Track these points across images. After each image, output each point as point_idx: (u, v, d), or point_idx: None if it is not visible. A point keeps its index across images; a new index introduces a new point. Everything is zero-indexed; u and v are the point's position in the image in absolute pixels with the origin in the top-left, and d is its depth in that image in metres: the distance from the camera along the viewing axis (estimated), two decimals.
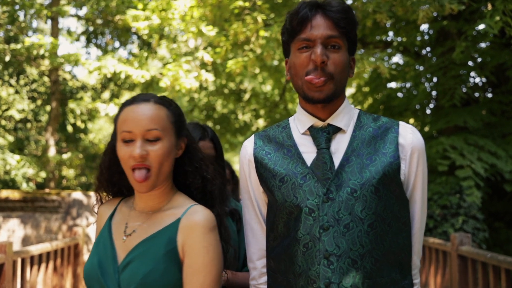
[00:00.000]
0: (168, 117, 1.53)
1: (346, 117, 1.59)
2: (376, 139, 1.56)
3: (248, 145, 1.69)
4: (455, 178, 6.34)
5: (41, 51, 8.08)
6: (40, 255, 5.02)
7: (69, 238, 5.85)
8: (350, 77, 1.61)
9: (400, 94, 8.95)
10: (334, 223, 1.47)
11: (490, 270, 3.99)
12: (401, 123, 1.61)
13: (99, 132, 21.91)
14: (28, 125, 12.47)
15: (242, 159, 1.70)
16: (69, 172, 14.88)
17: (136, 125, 1.47)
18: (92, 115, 8.54)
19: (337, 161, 1.53)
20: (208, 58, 6.71)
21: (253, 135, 1.72)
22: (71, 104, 8.58)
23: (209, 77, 6.87)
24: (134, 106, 1.50)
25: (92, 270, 1.51)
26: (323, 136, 1.57)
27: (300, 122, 1.63)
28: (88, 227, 6.38)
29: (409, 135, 1.57)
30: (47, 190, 7.17)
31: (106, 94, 13.34)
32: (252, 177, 1.66)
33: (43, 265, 5.06)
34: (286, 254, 1.54)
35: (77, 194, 6.60)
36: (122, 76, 8.80)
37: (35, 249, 4.80)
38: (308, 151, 1.58)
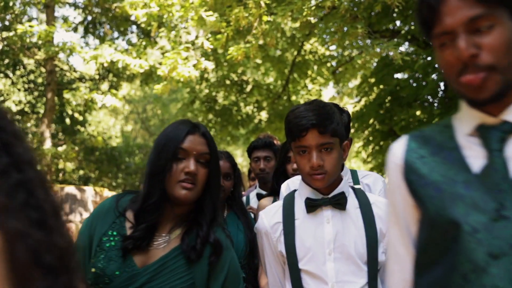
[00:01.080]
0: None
1: None
2: None
3: (398, 147, 1.35)
4: None
5: (34, 39, 7.75)
6: None
7: None
8: None
9: (412, 83, 8.58)
10: (508, 250, 1.09)
11: None
12: None
13: (99, 125, 21.63)
14: (25, 117, 12.16)
15: (389, 164, 1.36)
16: (67, 166, 14.61)
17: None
18: (89, 106, 8.21)
19: None
20: (208, 45, 6.37)
21: (405, 136, 1.37)
22: (66, 95, 8.23)
23: (209, 65, 6.53)
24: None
25: None
26: (495, 135, 1.20)
27: (464, 120, 1.26)
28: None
29: None
30: None
31: (105, 86, 13.02)
32: (400, 187, 1.32)
33: None
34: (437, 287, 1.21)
35: (70, 189, 6.28)
36: (120, 65, 8.49)
37: None
38: (475, 155, 1.22)
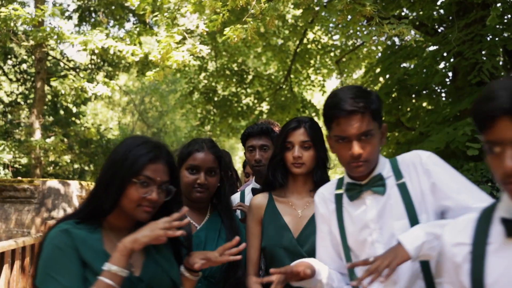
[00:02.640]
0: None
1: None
2: None
3: None
4: (486, 164, 5.53)
5: (19, 23, 7.27)
6: (2, 253, 4.26)
7: (42, 233, 5.07)
8: None
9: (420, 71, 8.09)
10: None
11: None
12: None
13: (96, 118, 21.20)
14: (16, 108, 11.70)
15: None
16: (64, 159, 14.15)
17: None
18: (78, 95, 7.72)
19: None
20: (203, 27, 5.88)
21: None
22: (53, 83, 7.75)
23: (204, 49, 6.04)
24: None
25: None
26: None
27: None
28: None
29: None
30: (19, 178, 6.37)
31: (100, 77, 12.56)
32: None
33: (6, 266, 4.30)
34: None
35: (53, 183, 5.80)
36: (111, 52, 8.01)
37: None
38: None
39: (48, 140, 8.65)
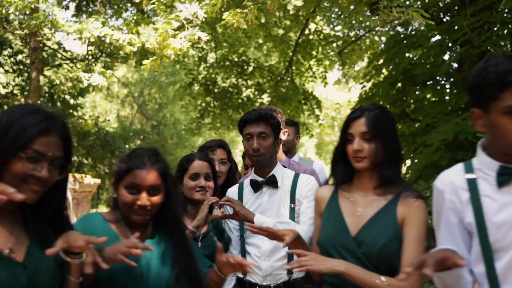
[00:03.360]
0: None
1: None
2: None
3: None
4: None
5: (11, 10, 7.02)
6: None
7: None
8: None
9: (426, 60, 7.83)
10: None
11: None
12: None
13: (95, 109, 20.97)
14: (11, 99, 11.47)
15: None
16: None
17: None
18: (73, 86, 7.48)
19: None
20: (201, 14, 5.64)
21: None
22: (47, 72, 7.50)
23: (203, 36, 5.79)
24: None
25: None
26: None
27: None
28: None
29: None
30: None
31: (98, 68, 12.31)
32: None
33: None
34: None
35: None
36: (107, 40, 7.77)
37: None
38: None
39: None
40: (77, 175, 5.65)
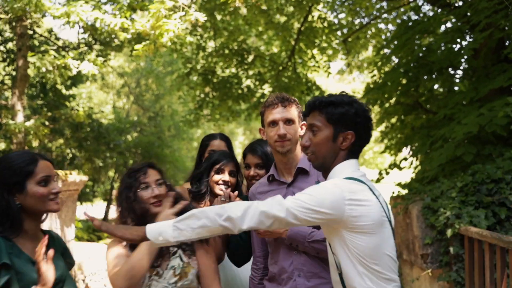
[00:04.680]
0: None
1: None
2: None
3: None
4: None
5: None
6: None
7: None
8: None
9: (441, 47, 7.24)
10: None
11: None
12: None
13: (91, 100, 20.37)
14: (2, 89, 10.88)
15: None
16: (53, 144, 13.37)
17: None
18: (61, 73, 6.91)
19: None
20: None
21: None
22: (31, 58, 6.93)
23: (199, 16, 5.20)
24: None
25: None
26: None
27: None
28: None
29: None
30: None
31: (92, 57, 11.71)
32: None
33: None
34: None
35: None
36: (97, 24, 7.19)
37: None
38: None
39: (28, 123, 7.82)
40: (60, 172, 5.07)
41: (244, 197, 3.05)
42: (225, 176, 2.94)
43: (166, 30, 4.97)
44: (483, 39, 6.07)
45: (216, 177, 2.94)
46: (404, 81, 7.82)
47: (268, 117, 2.61)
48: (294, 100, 2.68)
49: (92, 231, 11.98)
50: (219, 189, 2.92)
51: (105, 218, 16.48)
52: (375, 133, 12.47)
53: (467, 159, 5.16)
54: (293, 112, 2.62)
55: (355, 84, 27.69)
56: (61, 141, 13.18)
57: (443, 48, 7.34)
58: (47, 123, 9.18)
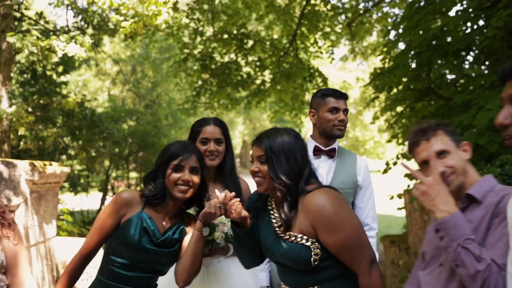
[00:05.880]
0: None
1: None
2: None
3: None
4: None
5: None
6: None
7: None
8: None
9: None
10: None
11: None
12: None
13: (85, 88, 19.83)
14: None
15: None
16: (48, 132, 12.84)
17: None
18: (45, 56, 6.38)
19: None
20: None
21: None
22: (10, 38, 6.38)
23: None
24: None
25: None
26: None
27: None
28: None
29: None
30: None
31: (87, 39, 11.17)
32: None
33: None
34: None
35: None
36: (84, 4, 6.64)
37: None
38: None
39: (9, 110, 7.27)
40: (38, 163, 4.55)
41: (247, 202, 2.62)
42: (185, 175, 2.43)
43: (156, 3, 4.43)
44: (507, 16, 5.51)
45: (174, 176, 2.44)
46: (413, 66, 7.30)
47: (417, 159, 2.25)
48: (438, 126, 2.29)
49: (83, 224, 11.49)
50: (216, 195, 2.40)
51: (100, 209, 15.99)
52: (378, 122, 11.97)
53: (492, 149, 4.64)
54: (442, 139, 2.23)
55: (356, 73, 27.06)
56: (54, 130, 12.69)
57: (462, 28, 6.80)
58: (31, 110, 8.63)
